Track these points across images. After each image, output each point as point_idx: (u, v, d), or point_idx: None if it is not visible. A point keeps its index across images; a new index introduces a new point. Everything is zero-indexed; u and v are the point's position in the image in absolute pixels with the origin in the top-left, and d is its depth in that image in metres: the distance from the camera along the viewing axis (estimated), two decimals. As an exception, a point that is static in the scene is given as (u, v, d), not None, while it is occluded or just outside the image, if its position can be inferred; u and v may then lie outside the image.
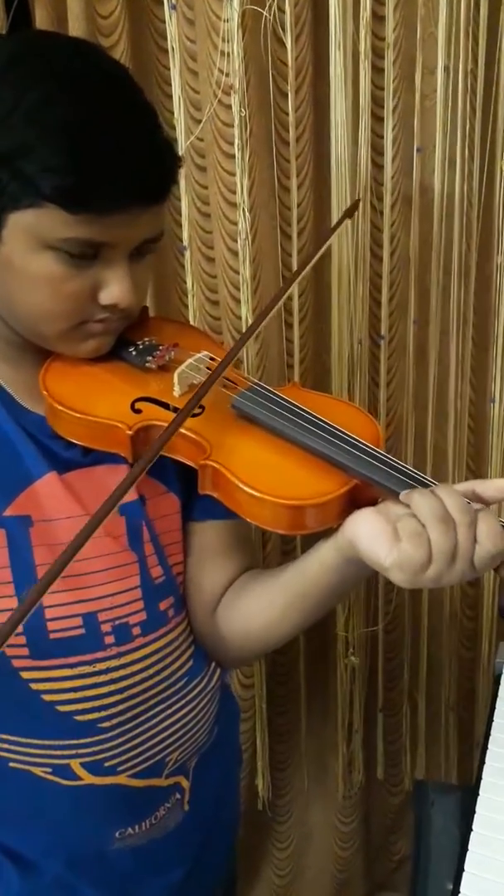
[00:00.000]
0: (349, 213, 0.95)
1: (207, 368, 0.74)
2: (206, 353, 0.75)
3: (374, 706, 1.39)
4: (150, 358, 0.74)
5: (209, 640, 0.81)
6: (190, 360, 0.73)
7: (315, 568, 0.70)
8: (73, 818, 0.74)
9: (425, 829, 0.95)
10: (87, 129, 0.60)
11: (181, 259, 1.12)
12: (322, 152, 1.08)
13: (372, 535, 0.62)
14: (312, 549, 0.70)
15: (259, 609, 0.76)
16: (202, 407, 0.70)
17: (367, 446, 0.68)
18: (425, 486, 0.63)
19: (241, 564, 0.82)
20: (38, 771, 0.72)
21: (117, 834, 0.76)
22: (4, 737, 0.71)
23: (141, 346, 0.75)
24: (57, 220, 0.60)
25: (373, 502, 0.66)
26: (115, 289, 0.65)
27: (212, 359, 0.75)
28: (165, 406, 0.71)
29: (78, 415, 0.69)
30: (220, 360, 0.74)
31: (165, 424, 0.66)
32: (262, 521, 0.66)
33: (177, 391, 0.72)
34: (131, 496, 0.73)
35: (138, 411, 0.70)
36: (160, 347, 0.75)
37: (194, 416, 0.69)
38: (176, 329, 0.83)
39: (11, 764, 0.72)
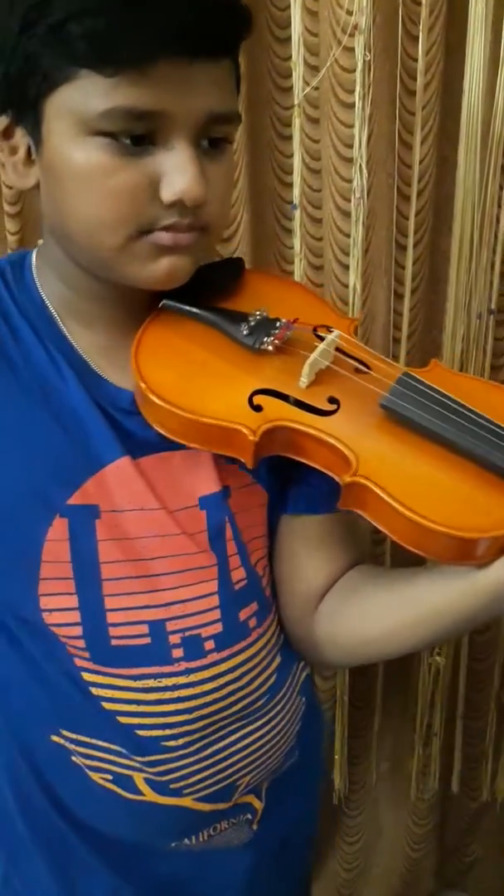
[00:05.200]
0: None
1: (339, 350, 0.62)
2: (336, 332, 0.63)
3: (455, 709, 1.31)
4: (266, 339, 0.61)
5: (305, 643, 0.72)
6: (322, 346, 0.61)
7: (462, 587, 0.57)
8: (126, 826, 0.68)
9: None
10: None
11: (282, 220, 1.04)
12: (450, 105, 0.98)
13: None
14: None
15: (381, 616, 0.66)
16: (336, 403, 0.59)
17: None
18: None
19: (347, 560, 0.72)
20: (96, 777, 0.65)
21: (173, 844, 0.69)
22: (68, 734, 0.65)
23: (253, 322, 0.62)
24: (94, 89, 0.51)
25: None
26: (177, 178, 0.53)
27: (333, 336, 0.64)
28: (287, 399, 0.59)
29: (187, 415, 0.57)
30: (350, 338, 0.62)
31: (299, 427, 0.55)
32: (425, 551, 0.55)
33: (304, 382, 0.60)
34: (213, 487, 0.64)
35: (258, 408, 0.58)
36: (278, 324, 0.62)
37: (326, 414, 0.58)
38: (288, 294, 0.71)
39: (74, 758, 0.65)
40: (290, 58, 0.94)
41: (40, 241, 1.08)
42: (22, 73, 0.53)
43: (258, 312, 0.64)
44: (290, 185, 1.00)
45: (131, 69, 0.51)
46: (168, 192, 0.54)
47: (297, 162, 0.97)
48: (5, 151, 0.59)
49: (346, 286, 1.01)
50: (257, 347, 0.61)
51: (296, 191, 0.98)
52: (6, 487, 0.60)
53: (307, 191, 1.00)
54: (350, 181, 0.96)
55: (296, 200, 0.98)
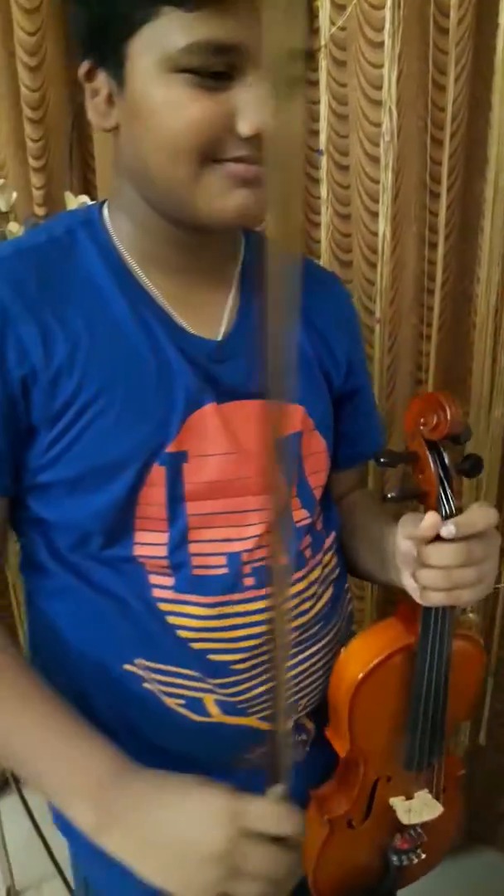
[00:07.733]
0: None
1: None
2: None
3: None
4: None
5: None
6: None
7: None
8: (195, 746, 0.71)
9: None
10: None
11: (309, 169, 1.02)
12: (483, 43, 0.94)
13: None
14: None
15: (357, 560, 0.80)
16: None
17: None
18: None
19: (355, 480, 0.85)
20: (169, 701, 0.69)
21: (233, 759, 0.72)
22: (141, 662, 0.68)
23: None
24: (175, 26, 0.53)
25: None
26: (255, 112, 0.54)
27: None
28: None
29: None
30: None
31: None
32: None
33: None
34: (295, 427, 0.69)
35: None
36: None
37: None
38: None
39: (145, 684, 0.69)
40: (316, -3, 0.91)
41: (66, 193, 1.07)
42: (104, 18, 0.56)
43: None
44: (316, 133, 0.97)
45: (211, 2, 0.52)
46: (245, 125, 0.55)
47: (323, 107, 0.94)
48: (88, 93, 0.61)
49: (375, 234, 0.99)
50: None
51: (323, 136, 0.95)
52: (115, 443, 0.63)
53: (333, 137, 0.97)
54: (379, 125, 0.93)
55: (322, 146, 0.96)
